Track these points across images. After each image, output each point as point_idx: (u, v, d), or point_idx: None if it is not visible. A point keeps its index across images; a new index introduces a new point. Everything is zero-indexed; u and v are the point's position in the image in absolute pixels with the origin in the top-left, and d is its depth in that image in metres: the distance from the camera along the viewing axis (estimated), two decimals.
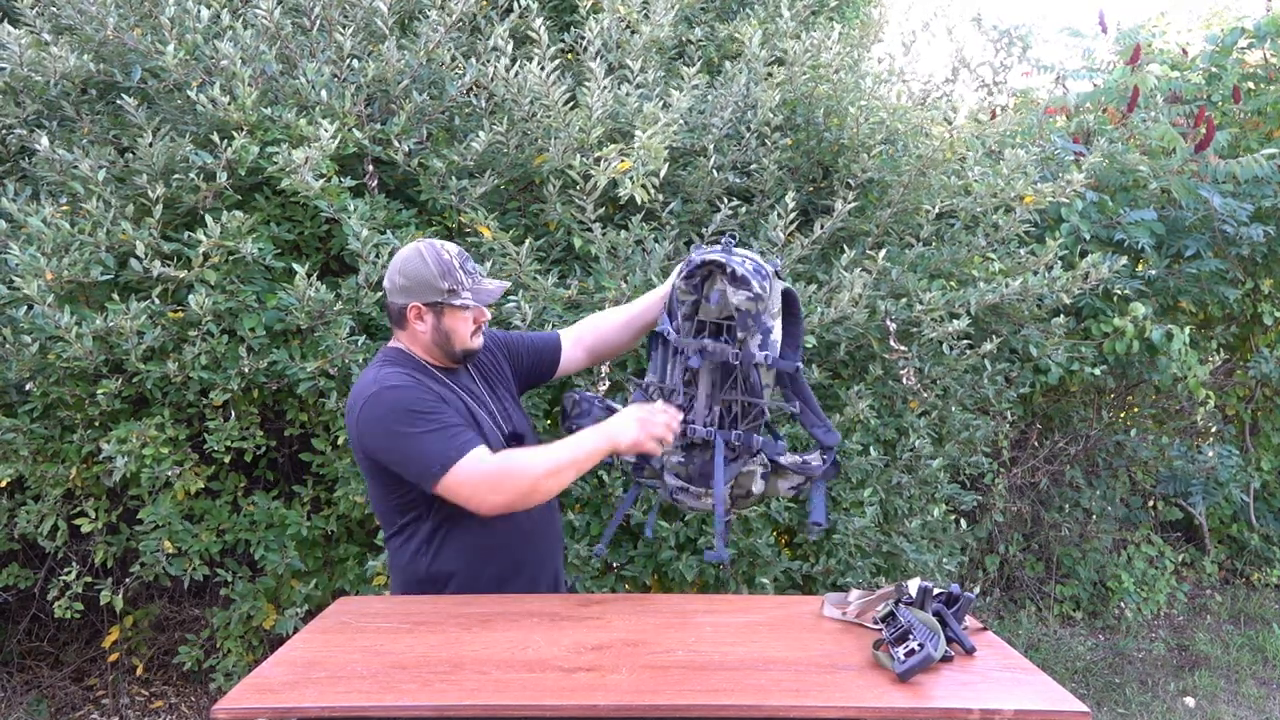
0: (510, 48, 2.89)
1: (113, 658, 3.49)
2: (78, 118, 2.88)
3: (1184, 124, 4.33)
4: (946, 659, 1.51)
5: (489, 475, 1.77)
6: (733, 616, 1.76)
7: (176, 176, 2.71)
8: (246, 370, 2.70)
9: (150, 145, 2.64)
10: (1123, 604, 4.68)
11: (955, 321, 3.12)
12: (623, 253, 2.91)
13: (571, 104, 2.82)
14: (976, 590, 4.37)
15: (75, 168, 2.63)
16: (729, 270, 1.83)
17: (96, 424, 2.83)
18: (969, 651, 1.56)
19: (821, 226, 3.01)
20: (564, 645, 1.58)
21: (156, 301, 2.65)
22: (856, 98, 3.36)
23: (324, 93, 2.78)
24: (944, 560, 3.35)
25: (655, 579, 3.11)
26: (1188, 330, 4.09)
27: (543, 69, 2.73)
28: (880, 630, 1.59)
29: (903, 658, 1.45)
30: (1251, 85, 4.73)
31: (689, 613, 1.78)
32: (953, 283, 3.48)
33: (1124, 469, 4.87)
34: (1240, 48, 4.66)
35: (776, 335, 1.90)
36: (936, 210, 3.20)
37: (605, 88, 2.78)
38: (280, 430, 3.02)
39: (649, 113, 2.76)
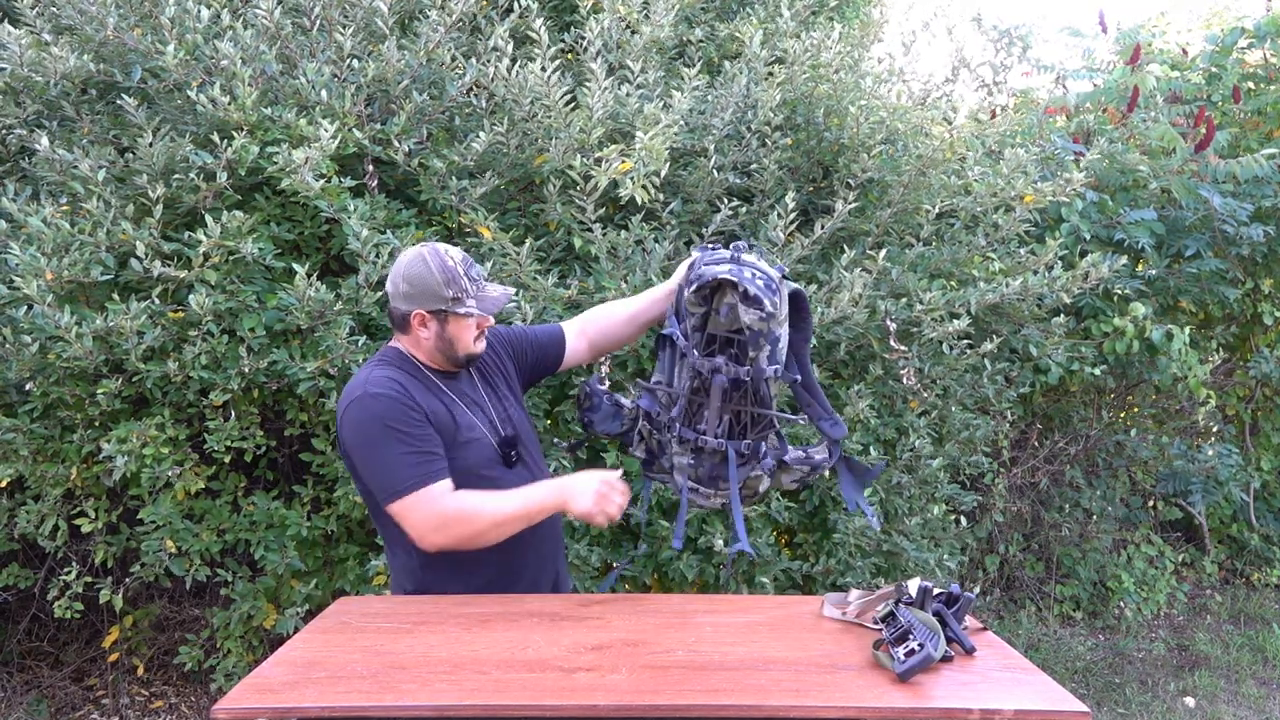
0: (510, 48, 2.89)
1: (113, 658, 3.49)
2: (78, 118, 2.88)
3: (1184, 124, 4.33)
4: (946, 659, 1.51)
5: (438, 514, 1.81)
6: (733, 616, 1.76)
7: (176, 176, 2.71)
8: (246, 370, 2.70)
9: (150, 145, 2.64)
10: (1123, 604, 4.68)
11: (955, 321, 3.12)
12: (623, 253, 2.91)
13: (572, 104, 2.82)
14: (976, 590, 4.37)
15: (75, 168, 2.63)
16: (741, 290, 1.81)
17: (96, 424, 2.83)
18: (969, 651, 1.56)
19: (822, 227, 3.01)
20: (564, 645, 1.58)
21: (156, 301, 2.65)
22: (856, 97, 3.36)
23: (324, 93, 2.78)
24: (944, 558, 3.35)
25: (655, 579, 3.11)
26: (1188, 330, 4.09)
27: (544, 69, 2.73)
28: (880, 630, 1.59)
29: (903, 658, 1.45)
30: (1251, 85, 4.73)
31: (689, 613, 1.78)
32: (953, 282, 3.48)
33: (1124, 469, 4.87)
34: (1240, 48, 4.66)
35: (785, 342, 1.91)
36: (936, 210, 3.20)
37: (606, 88, 2.78)
38: (280, 430, 3.02)
39: (649, 113, 2.76)
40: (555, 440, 2.92)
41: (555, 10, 3.64)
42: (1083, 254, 3.59)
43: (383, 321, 2.86)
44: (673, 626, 1.70)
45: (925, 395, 3.35)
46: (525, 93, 2.85)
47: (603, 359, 2.80)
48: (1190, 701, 3.89)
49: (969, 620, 1.69)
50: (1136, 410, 5.02)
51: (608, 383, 2.84)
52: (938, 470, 3.33)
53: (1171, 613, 4.83)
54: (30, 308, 2.56)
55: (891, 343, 3.12)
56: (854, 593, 1.79)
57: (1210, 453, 4.69)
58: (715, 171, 3.08)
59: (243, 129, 2.70)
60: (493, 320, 2.01)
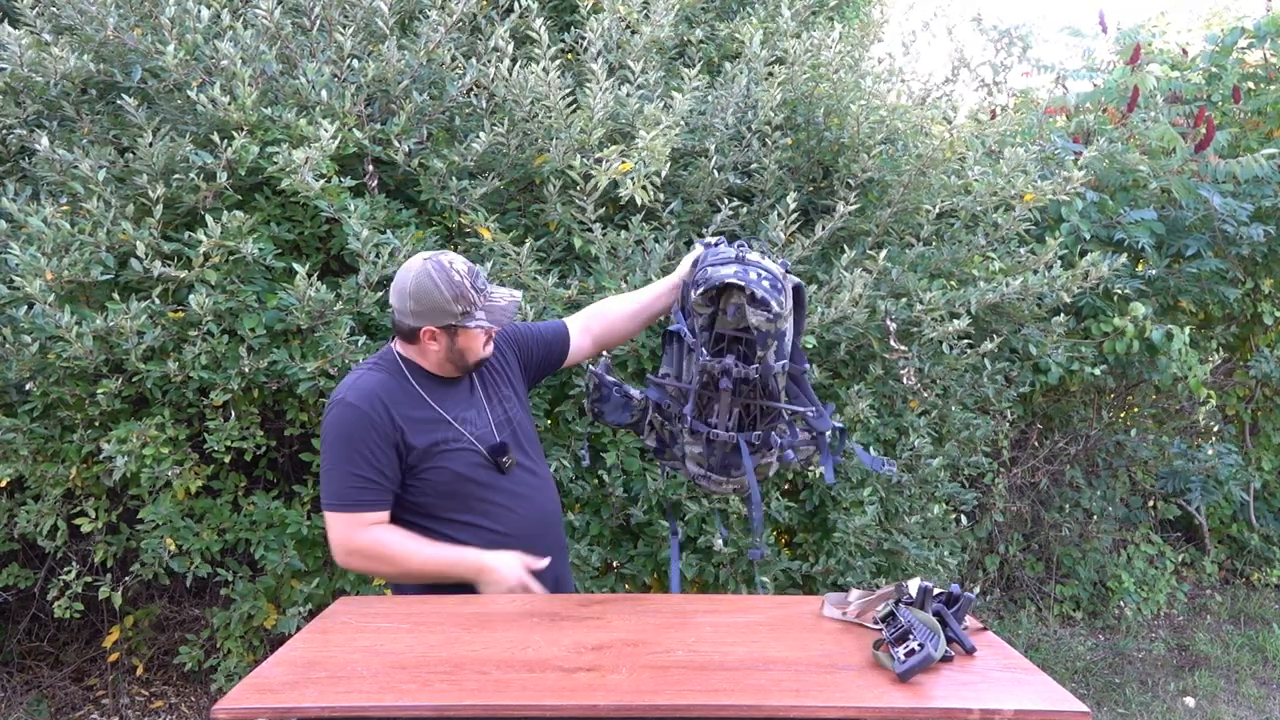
0: (511, 48, 2.89)
1: (113, 658, 3.49)
2: (78, 118, 2.88)
3: (1184, 124, 4.33)
4: (946, 659, 1.51)
5: (350, 542, 1.88)
6: (733, 616, 1.76)
7: (177, 176, 2.71)
8: (247, 370, 2.70)
9: (150, 145, 2.64)
10: (1123, 604, 4.68)
11: (955, 321, 3.13)
12: (623, 253, 2.91)
13: (572, 105, 2.82)
14: (976, 590, 4.37)
15: (75, 168, 2.63)
16: (748, 294, 1.84)
17: (96, 424, 2.83)
18: (969, 651, 1.56)
19: (823, 227, 3.01)
20: (564, 645, 1.58)
21: (157, 301, 2.65)
22: (856, 97, 3.36)
23: (324, 93, 2.78)
24: (945, 558, 3.35)
25: (655, 578, 3.11)
26: (1188, 330, 4.09)
27: (544, 70, 2.73)
28: (880, 630, 1.59)
29: (903, 658, 1.45)
30: (1251, 85, 4.73)
31: (689, 613, 1.78)
32: (953, 282, 3.48)
33: (1124, 469, 4.87)
34: (1240, 48, 4.66)
35: (790, 335, 1.95)
36: (937, 210, 3.20)
37: (606, 88, 2.78)
38: (280, 430, 3.02)
39: (650, 114, 2.76)
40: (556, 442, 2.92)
41: (555, 10, 3.64)
42: (1083, 254, 3.60)
43: (383, 321, 2.86)
44: (673, 626, 1.70)
45: (925, 395, 3.36)
46: (525, 93, 2.85)
47: (603, 355, 2.81)
48: (1190, 701, 3.89)
49: (969, 620, 1.69)
50: (1136, 410, 5.02)
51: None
52: (938, 470, 3.33)
53: (1171, 613, 4.83)
54: (30, 307, 2.56)
55: (891, 343, 3.12)
56: (854, 593, 1.79)
57: (1210, 452, 4.69)
58: (715, 172, 3.09)
59: (243, 129, 2.70)
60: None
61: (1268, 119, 4.62)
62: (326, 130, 2.60)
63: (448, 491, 1.93)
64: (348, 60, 2.89)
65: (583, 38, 3.04)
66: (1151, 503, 5.16)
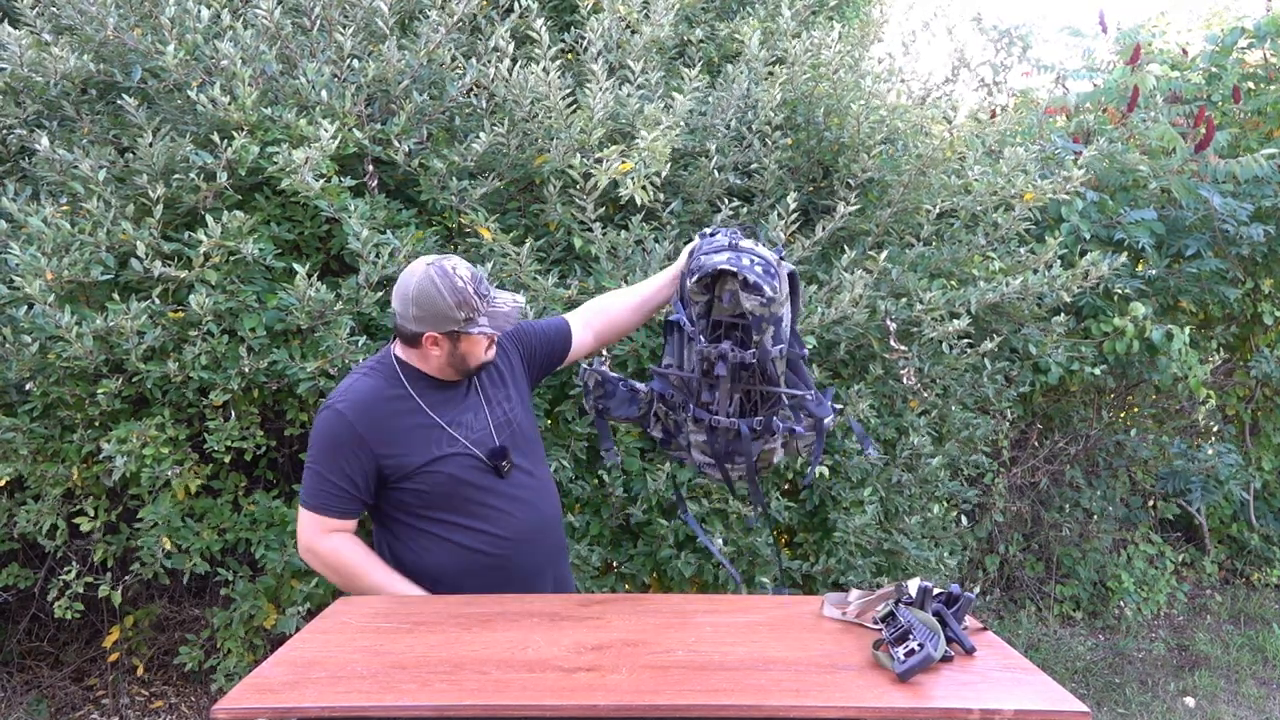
0: (511, 48, 2.89)
1: (113, 658, 3.49)
2: (78, 118, 2.88)
3: (1184, 124, 4.33)
4: (946, 659, 1.51)
5: (311, 544, 1.94)
6: (733, 616, 1.76)
7: (177, 176, 2.71)
8: (247, 370, 2.70)
9: (150, 145, 2.64)
10: (1123, 604, 4.68)
11: (955, 321, 3.13)
12: (623, 253, 2.91)
13: (572, 105, 2.82)
14: (976, 590, 4.37)
15: (75, 168, 2.63)
16: (741, 279, 1.85)
17: (96, 424, 2.83)
18: (969, 651, 1.56)
19: (823, 228, 3.01)
20: (564, 645, 1.58)
21: (157, 301, 2.65)
22: (856, 97, 3.36)
23: (324, 93, 2.77)
24: (945, 557, 3.35)
25: (654, 577, 3.11)
26: (1188, 330, 4.09)
27: (544, 70, 2.73)
28: (880, 630, 1.59)
29: (903, 658, 1.45)
30: (1251, 85, 4.73)
31: (689, 613, 1.78)
32: (953, 282, 3.48)
33: (1124, 469, 4.87)
34: (1240, 48, 4.66)
35: (786, 320, 1.97)
36: (937, 210, 3.20)
37: (606, 89, 2.78)
38: (280, 430, 3.02)
39: (650, 114, 2.76)
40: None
41: (555, 10, 3.64)
42: (1083, 253, 3.60)
43: (383, 322, 2.86)
44: (673, 626, 1.69)
45: (925, 395, 3.36)
46: (526, 93, 2.85)
47: (603, 354, 2.81)
48: (1190, 701, 3.89)
49: (969, 620, 1.69)
50: (1136, 410, 5.02)
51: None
52: (938, 469, 3.33)
53: (1171, 613, 4.83)
54: (30, 307, 2.56)
55: (891, 342, 3.12)
56: (854, 593, 1.79)
57: (1210, 452, 4.69)
58: (716, 172, 3.09)
59: (243, 129, 2.70)
60: None
61: (1268, 119, 4.62)
62: (326, 130, 2.60)
63: (445, 495, 1.93)
64: (348, 60, 2.89)
65: (583, 38, 3.04)
66: (1151, 503, 5.16)
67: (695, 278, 1.92)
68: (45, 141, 2.64)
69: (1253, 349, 4.92)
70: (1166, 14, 5.67)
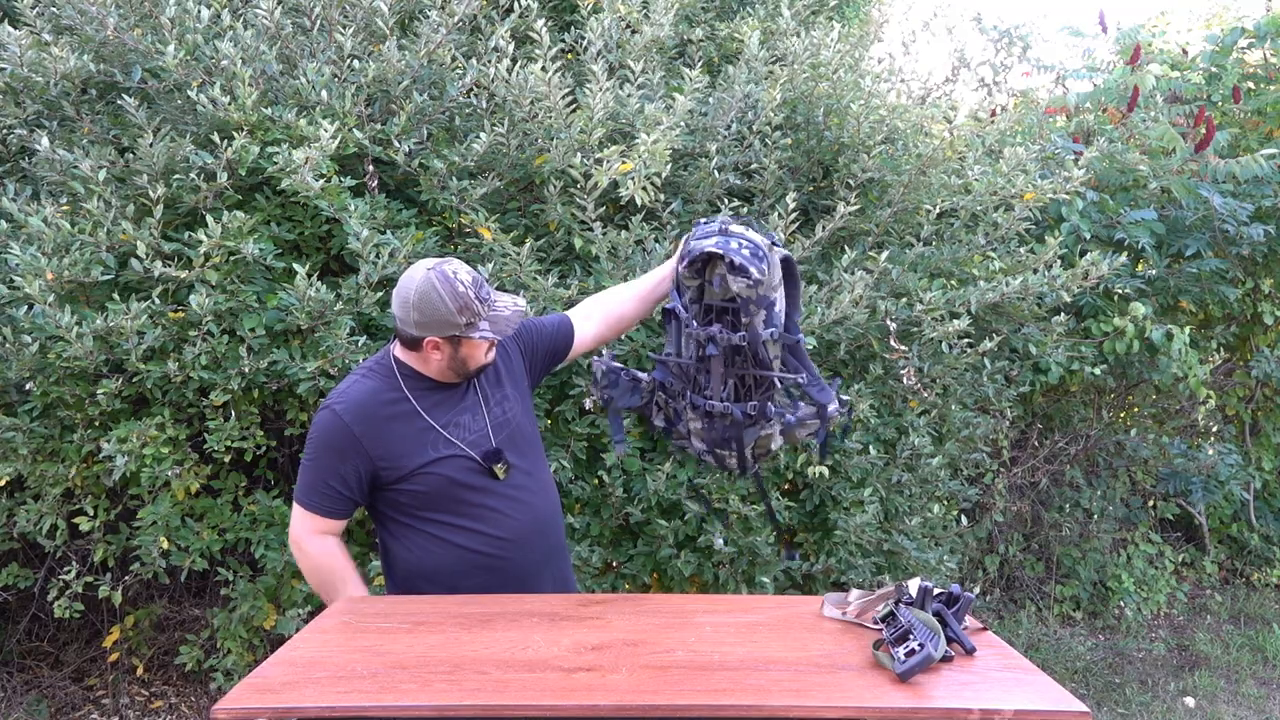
0: (511, 48, 2.89)
1: (113, 658, 3.49)
2: (78, 118, 2.88)
3: (1184, 124, 4.33)
4: (946, 659, 1.51)
5: (300, 543, 1.97)
6: (733, 616, 1.76)
7: (177, 176, 2.71)
8: (247, 370, 2.70)
9: (150, 145, 2.64)
10: (1123, 604, 4.68)
11: (955, 321, 3.12)
12: (623, 253, 2.91)
13: (572, 105, 2.82)
14: (976, 590, 4.37)
15: (75, 168, 2.63)
16: (728, 261, 1.87)
17: (96, 424, 2.83)
18: (969, 651, 1.56)
19: (823, 228, 3.01)
20: (564, 645, 1.58)
21: (157, 301, 2.65)
22: (856, 97, 3.36)
23: (324, 93, 2.77)
24: (945, 558, 3.35)
25: (655, 577, 3.11)
26: (1188, 330, 4.09)
27: (544, 70, 2.73)
28: (880, 630, 1.59)
29: (903, 658, 1.45)
30: (1251, 85, 4.73)
31: (689, 613, 1.78)
32: (953, 282, 3.48)
33: (1124, 469, 4.87)
34: (1240, 48, 4.66)
35: (780, 306, 1.98)
36: (937, 210, 3.20)
37: (606, 89, 2.78)
38: (280, 430, 3.02)
39: (650, 114, 2.76)
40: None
41: (555, 10, 3.64)
42: (1083, 253, 3.60)
43: (383, 322, 2.86)
44: (673, 626, 1.69)
45: (925, 395, 3.35)
46: (526, 93, 2.85)
47: (602, 352, 2.81)
48: (1190, 701, 3.89)
49: (969, 620, 1.69)
50: (1136, 410, 5.02)
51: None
52: (938, 469, 3.33)
53: (1171, 613, 4.83)
54: (30, 307, 2.56)
55: (892, 342, 3.12)
56: (854, 593, 1.79)
57: (1210, 452, 4.69)
58: (716, 172, 3.09)
59: (243, 129, 2.70)
60: None
61: (1268, 119, 4.62)
62: (326, 130, 2.60)
63: (441, 497, 1.93)
64: (348, 60, 2.89)
65: (583, 38, 3.04)
66: (1151, 503, 5.16)
67: (685, 262, 1.95)
68: (45, 141, 2.64)
69: (1253, 349, 4.92)
70: (1166, 14, 5.68)
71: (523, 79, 2.82)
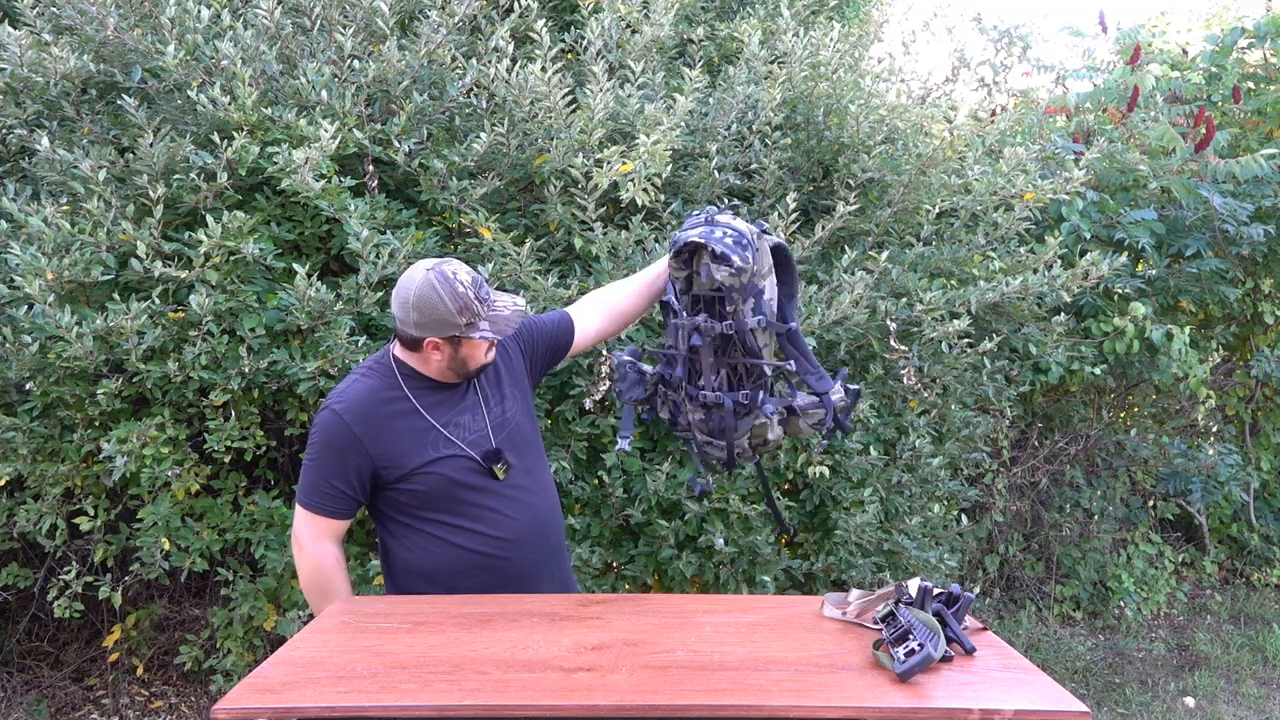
0: (511, 48, 2.89)
1: (113, 658, 3.49)
2: (78, 118, 2.88)
3: (1184, 124, 4.33)
4: (946, 659, 1.51)
5: (304, 545, 1.95)
6: (733, 616, 1.76)
7: (177, 176, 2.72)
8: (247, 370, 2.70)
9: (150, 145, 2.64)
10: (1123, 604, 4.68)
11: (955, 321, 3.12)
12: (623, 253, 2.91)
13: (572, 105, 2.82)
14: (976, 590, 4.37)
15: (75, 168, 2.63)
16: (710, 250, 1.88)
17: (96, 424, 2.83)
18: (969, 651, 1.56)
19: (823, 228, 3.01)
20: (564, 645, 1.58)
21: (157, 301, 2.65)
22: (856, 96, 3.36)
23: (324, 93, 2.77)
24: (945, 557, 3.35)
25: (656, 578, 3.11)
26: (1188, 330, 4.09)
27: (544, 70, 2.73)
28: (880, 630, 1.59)
29: (903, 658, 1.45)
30: (1251, 85, 4.73)
31: (689, 613, 1.78)
32: (953, 282, 3.48)
33: (1124, 469, 4.87)
34: (1240, 48, 4.66)
35: (770, 294, 1.98)
36: (937, 210, 3.20)
37: (606, 89, 2.78)
38: (280, 430, 3.02)
39: (651, 114, 2.76)
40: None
41: (555, 10, 3.64)
42: (1083, 253, 3.60)
43: (383, 322, 2.86)
44: (673, 626, 1.70)
45: (925, 395, 3.35)
46: (526, 93, 2.85)
47: (603, 356, 2.81)
48: (1190, 701, 3.89)
49: (969, 620, 1.69)
50: (1136, 410, 5.02)
51: (607, 383, 2.85)
52: (938, 469, 3.33)
53: (1171, 613, 4.83)
54: (31, 307, 2.56)
55: (892, 343, 3.12)
56: (854, 592, 1.79)
57: (1210, 452, 4.69)
58: (716, 172, 3.08)
59: (243, 129, 2.70)
60: None
61: (1268, 119, 4.62)
62: (327, 130, 2.60)
63: (440, 497, 1.94)
64: (348, 60, 2.89)
65: (583, 38, 3.04)
66: (1151, 503, 5.16)
67: (672, 253, 1.96)
68: (45, 141, 2.64)
69: (1253, 349, 4.93)
70: (1166, 14, 5.68)
71: (523, 79, 2.82)
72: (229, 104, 2.66)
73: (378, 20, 2.88)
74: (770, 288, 1.99)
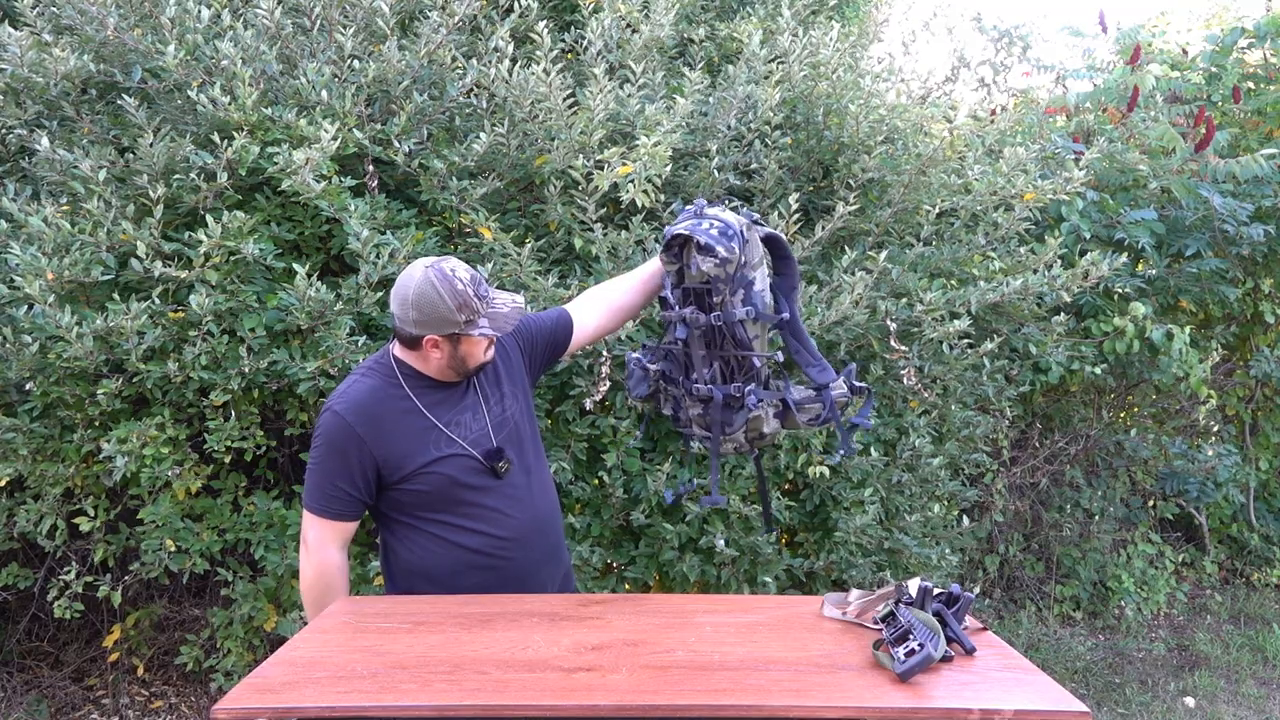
0: (511, 48, 2.89)
1: (113, 658, 3.49)
2: (78, 118, 2.88)
3: (1184, 124, 4.33)
4: (946, 659, 1.51)
5: (310, 551, 1.94)
6: (733, 616, 1.76)
7: (177, 176, 2.72)
8: (247, 370, 2.70)
9: (151, 145, 2.64)
10: (1123, 604, 4.68)
11: (955, 321, 3.12)
12: (623, 253, 2.91)
13: (573, 106, 2.82)
14: (976, 590, 4.37)
15: (76, 168, 2.63)
16: (695, 241, 1.89)
17: (96, 424, 2.83)
18: (969, 651, 1.56)
19: (823, 228, 3.01)
20: (564, 645, 1.58)
21: (157, 301, 2.65)
22: (856, 96, 3.36)
23: (324, 93, 2.78)
24: (946, 555, 3.35)
25: (657, 579, 3.11)
26: (1188, 330, 4.09)
27: (545, 72, 2.72)
28: (880, 630, 1.59)
29: (903, 658, 1.45)
30: (1251, 85, 4.73)
31: (689, 613, 1.78)
32: (953, 282, 3.48)
33: (1124, 469, 4.87)
34: (1240, 48, 4.66)
35: (761, 285, 1.97)
36: (937, 210, 3.20)
37: (607, 90, 2.78)
38: (280, 430, 3.02)
39: (651, 115, 2.76)
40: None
41: (555, 10, 3.64)
42: (1083, 253, 3.60)
43: (383, 322, 2.86)
44: (673, 626, 1.70)
45: (925, 395, 3.36)
46: (526, 94, 2.85)
47: (604, 356, 2.81)
48: (1190, 701, 3.89)
49: (969, 620, 1.69)
50: (1136, 410, 5.02)
51: (607, 384, 2.85)
52: (938, 469, 3.33)
53: (1171, 613, 4.83)
54: (30, 307, 2.56)
55: (892, 343, 3.12)
56: (854, 592, 1.79)
57: (1210, 452, 4.69)
58: (716, 172, 3.08)
59: (243, 129, 2.70)
60: None
61: (1268, 119, 4.62)
62: (327, 131, 2.60)
63: (442, 496, 1.94)
64: (348, 60, 2.89)
65: (583, 37, 3.04)
66: (1151, 503, 5.17)
67: (662, 247, 1.97)
68: (45, 141, 2.64)
69: (1253, 349, 4.93)
70: (1166, 14, 5.68)
71: (523, 79, 2.82)
72: (229, 104, 2.66)
73: (378, 20, 2.88)
74: (762, 279, 1.98)
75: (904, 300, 3.22)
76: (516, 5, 2.99)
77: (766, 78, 3.13)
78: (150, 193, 2.60)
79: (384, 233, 2.77)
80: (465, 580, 1.94)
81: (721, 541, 2.94)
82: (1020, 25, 3.91)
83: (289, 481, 3.20)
